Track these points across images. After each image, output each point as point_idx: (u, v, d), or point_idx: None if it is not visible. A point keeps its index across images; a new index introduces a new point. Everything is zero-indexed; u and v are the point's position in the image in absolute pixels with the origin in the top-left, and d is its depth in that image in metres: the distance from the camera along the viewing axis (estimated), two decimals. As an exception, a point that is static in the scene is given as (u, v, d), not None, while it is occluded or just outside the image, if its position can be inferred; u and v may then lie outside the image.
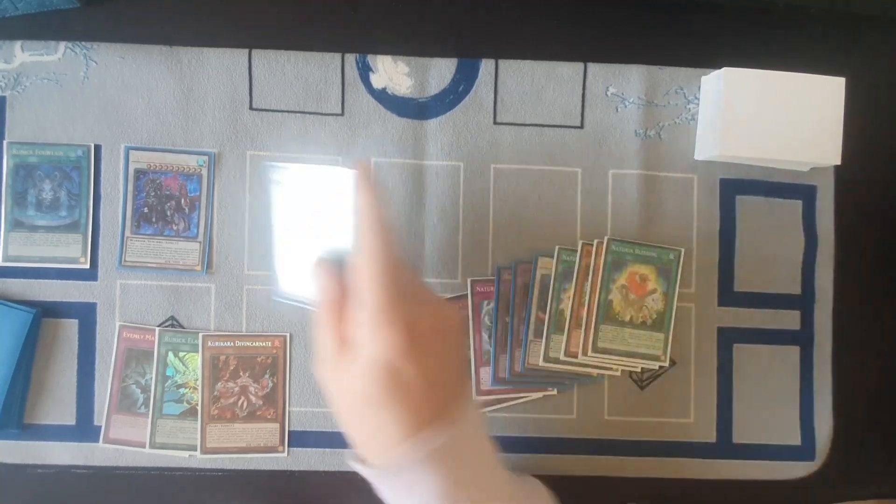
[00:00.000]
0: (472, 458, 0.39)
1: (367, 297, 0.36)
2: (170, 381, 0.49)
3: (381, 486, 0.38)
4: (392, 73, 0.51)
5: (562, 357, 0.50)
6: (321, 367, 0.38)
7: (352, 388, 0.37)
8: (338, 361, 0.37)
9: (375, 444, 0.38)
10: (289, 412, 0.50)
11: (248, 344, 0.50)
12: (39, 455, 0.50)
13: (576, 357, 0.50)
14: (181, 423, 0.49)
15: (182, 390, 0.49)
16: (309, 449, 0.50)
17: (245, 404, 0.50)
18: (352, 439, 0.38)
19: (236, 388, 0.50)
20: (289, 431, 0.50)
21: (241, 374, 0.50)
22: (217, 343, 0.50)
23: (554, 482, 0.51)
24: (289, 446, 0.50)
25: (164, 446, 0.49)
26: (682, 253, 0.51)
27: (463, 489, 0.37)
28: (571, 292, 0.51)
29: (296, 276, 0.44)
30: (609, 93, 0.51)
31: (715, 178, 0.52)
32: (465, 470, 0.38)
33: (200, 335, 0.50)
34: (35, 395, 0.49)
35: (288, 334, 0.50)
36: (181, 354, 0.50)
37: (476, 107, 0.51)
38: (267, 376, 0.50)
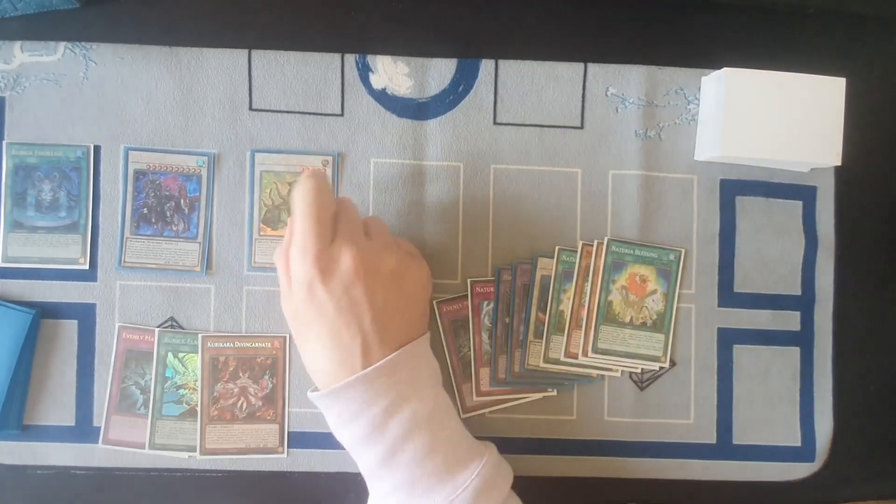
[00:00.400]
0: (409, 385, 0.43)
1: (294, 227, 0.42)
2: (169, 382, 0.49)
3: (325, 412, 0.43)
4: (392, 73, 0.51)
5: (562, 358, 0.50)
6: (282, 301, 0.44)
7: (290, 311, 0.43)
8: (285, 288, 0.43)
9: (316, 368, 0.43)
10: (288, 413, 0.50)
11: (248, 345, 0.50)
12: (39, 456, 0.49)
13: (576, 358, 0.50)
14: (181, 424, 0.49)
15: (182, 391, 0.49)
16: (309, 450, 0.50)
17: (244, 405, 0.50)
18: (306, 367, 0.44)
19: (236, 389, 0.50)
20: (288, 432, 0.50)
21: (241, 375, 0.50)
22: (216, 344, 0.50)
23: (553, 483, 0.51)
24: (288, 447, 0.50)
25: (163, 447, 0.49)
26: (683, 253, 0.51)
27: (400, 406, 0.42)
28: (571, 293, 0.51)
29: None
30: (609, 93, 0.51)
31: (715, 178, 0.52)
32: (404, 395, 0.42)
33: (200, 336, 0.50)
34: (34, 395, 0.49)
35: (287, 335, 0.50)
36: (181, 355, 0.49)
37: (476, 107, 0.51)
38: (266, 377, 0.50)
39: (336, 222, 0.43)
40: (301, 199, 0.41)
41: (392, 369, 0.41)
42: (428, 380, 0.44)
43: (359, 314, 0.41)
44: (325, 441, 0.49)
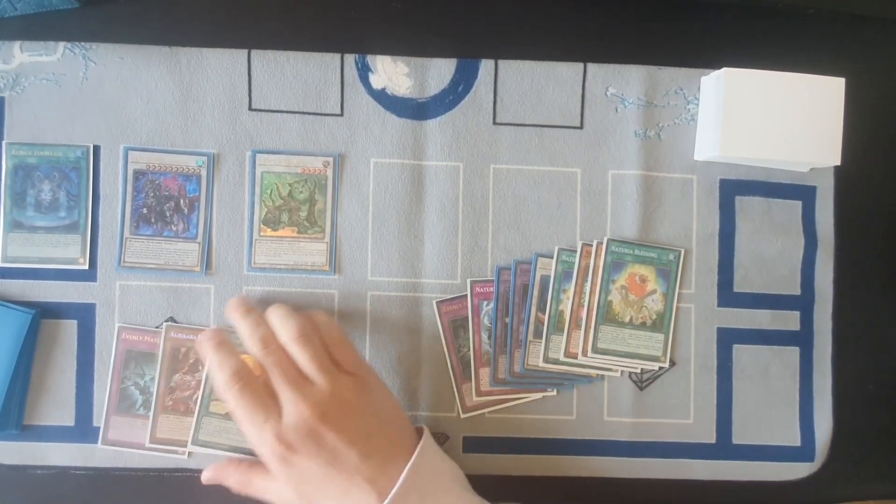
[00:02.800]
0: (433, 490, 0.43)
1: (235, 418, 0.43)
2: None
3: None
4: (391, 73, 0.51)
5: (561, 358, 0.50)
6: (270, 484, 0.44)
7: (300, 476, 0.42)
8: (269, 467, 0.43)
9: None
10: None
11: None
12: (38, 456, 0.49)
13: (575, 358, 0.50)
14: (224, 424, 0.49)
15: None
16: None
17: (199, 399, 0.50)
18: None
19: (193, 382, 0.50)
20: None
21: (200, 368, 0.49)
22: (179, 335, 0.50)
23: (553, 483, 0.51)
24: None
25: (205, 444, 0.49)
26: (682, 253, 0.51)
27: None
28: (571, 293, 0.51)
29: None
30: (609, 93, 0.51)
31: (715, 178, 0.52)
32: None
33: (164, 325, 0.49)
34: (34, 396, 0.49)
35: None
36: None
37: (475, 107, 0.51)
38: None
39: (268, 372, 0.43)
40: (225, 390, 0.42)
41: (405, 495, 0.41)
42: (449, 488, 0.44)
43: (345, 457, 0.41)
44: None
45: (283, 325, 0.44)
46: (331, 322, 0.46)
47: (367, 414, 0.43)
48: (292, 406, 0.41)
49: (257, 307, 0.46)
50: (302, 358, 0.43)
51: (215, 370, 0.43)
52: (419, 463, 0.42)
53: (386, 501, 0.40)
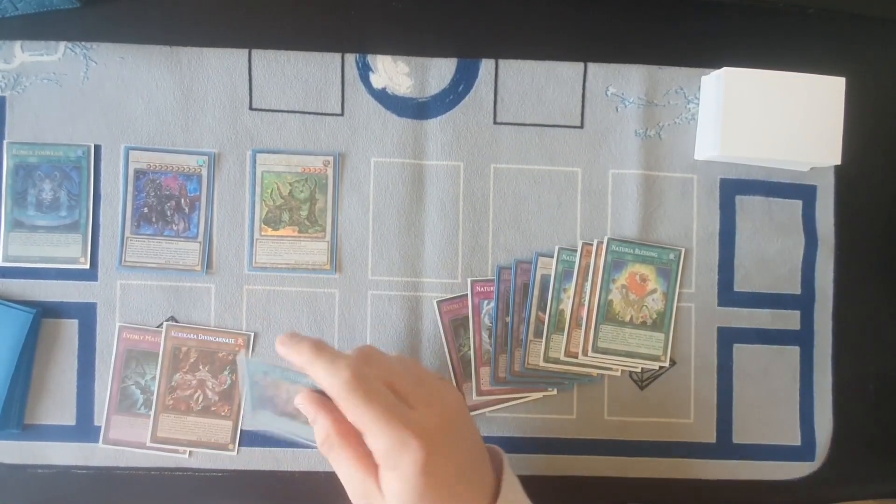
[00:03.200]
0: None
1: (369, 426, 0.36)
2: None
3: None
4: (392, 72, 0.51)
5: (562, 357, 0.50)
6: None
7: None
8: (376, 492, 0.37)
9: None
10: (243, 411, 0.50)
11: (211, 339, 0.50)
12: (39, 455, 0.50)
13: (576, 357, 0.50)
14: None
15: None
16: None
17: (201, 398, 0.50)
18: None
19: (194, 381, 0.50)
20: (241, 430, 0.50)
21: (201, 367, 0.50)
22: (180, 334, 0.50)
23: (554, 482, 0.51)
24: (239, 445, 0.50)
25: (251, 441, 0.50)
26: (683, 253, 0.51)
27: None
28: (571, 292, 0.51)
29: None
30: (609, 93, 0.51)
31: (715, 178, 0.52)
32: None
33: (165, 324, 0.50)
34: (35, 395, 0.49)
35: (252, 333, 0.50)
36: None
37: (476, 107, 0.51)
38: (226, 373, 0.50)
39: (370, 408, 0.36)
40: (361, 405, 0.36)
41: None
42: None
43: (451, 483, 0.37)
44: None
45: (377, 361, 0.39)
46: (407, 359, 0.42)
47: (461, 438, 0.39)
48: (399, 446, 0.36)
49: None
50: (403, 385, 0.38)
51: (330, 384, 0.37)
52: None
53: None
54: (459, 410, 0.40)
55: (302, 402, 0.39)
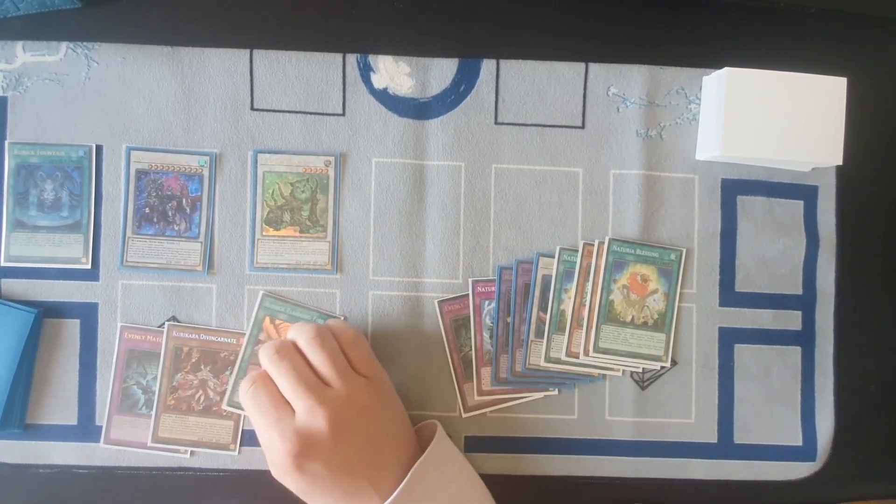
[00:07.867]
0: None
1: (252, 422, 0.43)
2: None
3: None
4: (393, 73, 0.51)
5: (563, 357, 0.50)
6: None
7: (308, 481, 0.42)
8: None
9: None
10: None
11: (213, 339, 0.50)
12: (41, 455, 0.50)
13: (577, 357, 0.50)
14: None
15: None
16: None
17: (202, 398, 0.50)
18: None
19: (195, 381, 0.50)
20: (242, 430, 0.50)
21: (202, 367, 0.50)
22: (182, 334, 0.50)
23: (554, 483, 0.51)
24: (241, 445, 0.50)
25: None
26: (684, 253, 0.51)
27: None
28: (573, 292, 0.51)
29: None
30: (610, 93, 0.51)
31: (716, 178, 0.52)
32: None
33: (166, 325, 0.50)
34: (37, 395, 0.49)
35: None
36: (277, 322, 0.50)
37: (477, 107, 0.51)
38: (228, 373, 0.50)
39: (281, 377, 0.42)
40: (241, 392, 0.43)
41: (405, 498, 0.42)
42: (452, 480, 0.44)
43: (355, 463, 0.41)
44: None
45: (299, 332, 0.44)
46: (345, 324, 0.46)
47: (379, 418, 0.43)
48: (307, 411, 0.41)
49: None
50: (318, 359, 0.43)
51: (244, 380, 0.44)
52: (423, 468, 0.43)
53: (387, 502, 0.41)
54: (375, 398, 0.44)
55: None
